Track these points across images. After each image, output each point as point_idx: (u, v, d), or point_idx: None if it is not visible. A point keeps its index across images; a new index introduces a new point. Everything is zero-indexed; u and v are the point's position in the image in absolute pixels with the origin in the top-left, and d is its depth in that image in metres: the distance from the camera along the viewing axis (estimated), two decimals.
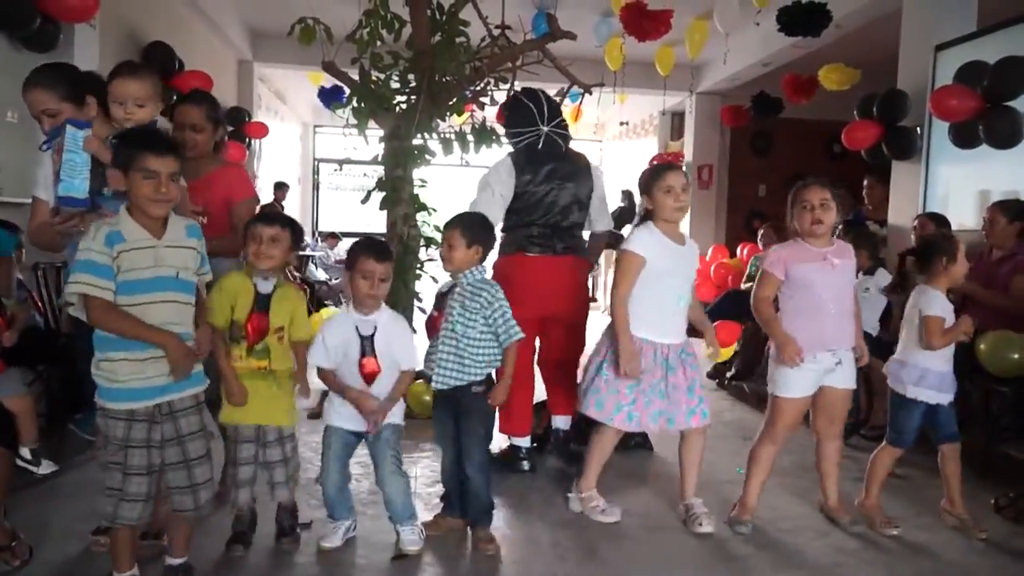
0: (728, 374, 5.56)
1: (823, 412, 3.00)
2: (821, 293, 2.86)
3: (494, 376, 2.83)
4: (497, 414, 3.16)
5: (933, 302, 2.92)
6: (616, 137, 12.92)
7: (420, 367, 2.80)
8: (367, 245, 2.67)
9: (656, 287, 2.87)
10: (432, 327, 2.93)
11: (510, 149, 3.63)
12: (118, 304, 2.08)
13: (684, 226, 3.02)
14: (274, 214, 2.83)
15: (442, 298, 2.87)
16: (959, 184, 5.11)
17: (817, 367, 2.88)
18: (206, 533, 2.59)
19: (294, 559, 2.63)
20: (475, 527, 2.79)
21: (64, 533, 2.70)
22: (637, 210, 2.99)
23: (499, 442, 3.50)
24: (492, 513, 2.81)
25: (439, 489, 3.00)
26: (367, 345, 2.61)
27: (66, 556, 2.54)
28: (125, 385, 2.10)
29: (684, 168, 9.07)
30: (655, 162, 3.17)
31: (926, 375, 2.94)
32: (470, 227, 2.75)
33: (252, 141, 8.52)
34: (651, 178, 2.91)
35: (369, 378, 2.62)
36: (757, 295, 2.96)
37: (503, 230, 3.57)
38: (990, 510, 3.17)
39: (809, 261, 2.86)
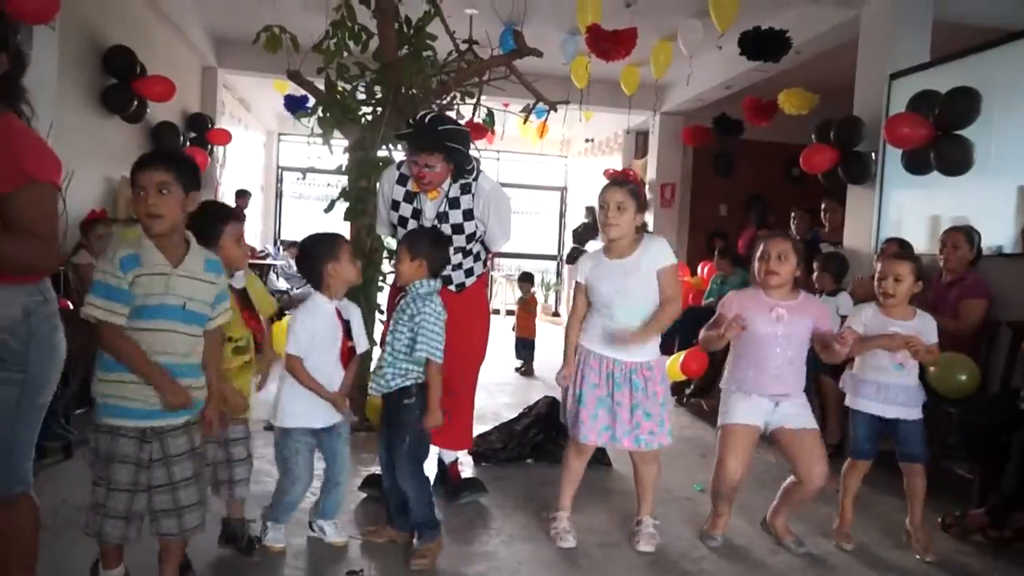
0: (687, 391, 5.63)
1: (799, 459, 2.94)
2: (765, 343, 2.91)
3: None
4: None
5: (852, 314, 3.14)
6: (581, 154, 13.03)
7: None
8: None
9: (594, 302, 2.95)
10: (382, 338, 2.97)
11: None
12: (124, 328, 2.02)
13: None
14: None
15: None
16: (911, 209, 5.26)
17: (758, 403, 2.94)
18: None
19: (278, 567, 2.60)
20: (417, 539, 2.74)
21: None
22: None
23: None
24: (434, 528, 2.74)
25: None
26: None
27: None
28: (113, 402, 2.05)
29: (646, 183, 9.22)
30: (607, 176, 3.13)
31: (862, 386, 3.04)
32: (414, 242, 2.82)
33: (215, 148, 8.42)
34: None
35: (345, 359, 2.73)
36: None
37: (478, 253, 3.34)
38: (936, 527, 3.24)
39: (756, 310, 2.93)
